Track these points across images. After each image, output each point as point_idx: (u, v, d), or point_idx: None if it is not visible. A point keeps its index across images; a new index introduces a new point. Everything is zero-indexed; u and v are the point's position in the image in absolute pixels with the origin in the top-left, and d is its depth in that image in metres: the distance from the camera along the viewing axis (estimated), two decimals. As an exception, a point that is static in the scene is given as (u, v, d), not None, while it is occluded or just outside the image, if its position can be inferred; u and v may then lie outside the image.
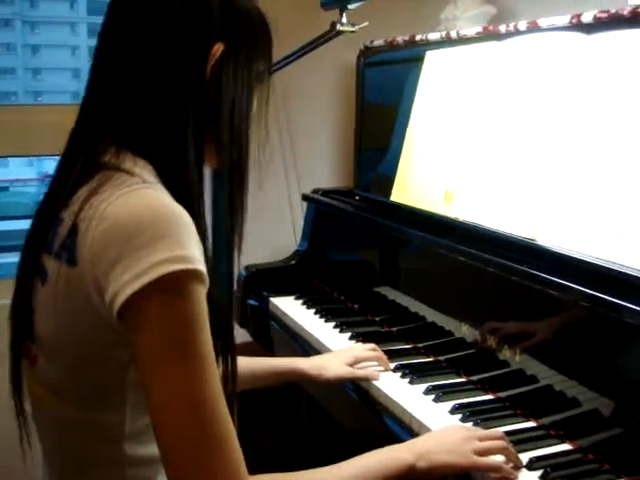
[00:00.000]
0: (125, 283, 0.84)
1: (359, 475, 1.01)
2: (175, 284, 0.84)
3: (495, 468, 1.09)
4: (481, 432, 1.14)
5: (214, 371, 0.87)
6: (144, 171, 0.94)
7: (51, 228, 0.95)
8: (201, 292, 0.87)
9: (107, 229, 0.86)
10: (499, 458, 1.11)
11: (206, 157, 1.01)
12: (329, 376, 1.42)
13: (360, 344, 1.57)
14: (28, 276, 0.98)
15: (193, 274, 0.86)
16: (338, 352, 1.52)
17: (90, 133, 0.98)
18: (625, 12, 1.27)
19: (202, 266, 0.87)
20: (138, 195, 0.88)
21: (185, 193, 0.94)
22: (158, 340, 0.84)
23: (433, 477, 1.07)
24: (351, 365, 1.45)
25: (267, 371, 1.42)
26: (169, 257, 0.84)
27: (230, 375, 1.01)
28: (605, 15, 1.31)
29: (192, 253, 0.86)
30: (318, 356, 1.54)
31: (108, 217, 0.87)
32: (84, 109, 1.01)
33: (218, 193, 1.68)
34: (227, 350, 1.00)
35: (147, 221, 0.85)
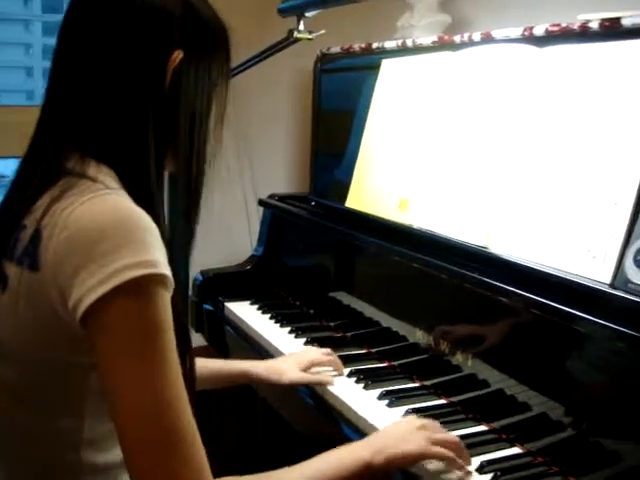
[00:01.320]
0: (89, 289, 0.84)
1: (317, 475, 1.02)
2: (140, 289, 0.85)
3: (447, 457, 1.10)
4: (435, 424, 1.15)
5: (178, 375, 0.88)
6: (107, 177, 0.94)
7: (12, 234, 0.94)
8: (166, 296, 0.87)
9: (71, 235, 0.86)
10: None
11: (165, 162, 1.01)
12: (284, 381, 1.43)
13: (315, 348, 1.58)
14: None
15: (158, 279, 0.86)
16: (293, 356, 1.52)
17: (52, 139, 0.97)
18: (575, 26, 1.30)
19: (167, 270, 0.87)
20: (101, 201, 0.88)
21: (146, 198, 0.94)
22: (122, 344, 0.85)
23: (391, 470, 1.09)
24: (306, 370, 1.46)
25: (221, 372, 1.42)
26: (134, 262, 0.84)
27: (189, 377, 1.01)
28: (556, 29, 1.34)
29: (156, 258, 0.86)
30: (273, 359, 1.54)
31: (72, 223, 0.86)
32: (44, 114, 0.99)
33: (174, 198, 1.68)
34: (185, 353, 1.01)
35: (111, 227, 0.85)
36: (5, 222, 0.98)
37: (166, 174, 1.04)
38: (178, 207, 1.03)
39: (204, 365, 1.37)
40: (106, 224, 0.85)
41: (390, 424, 1.20)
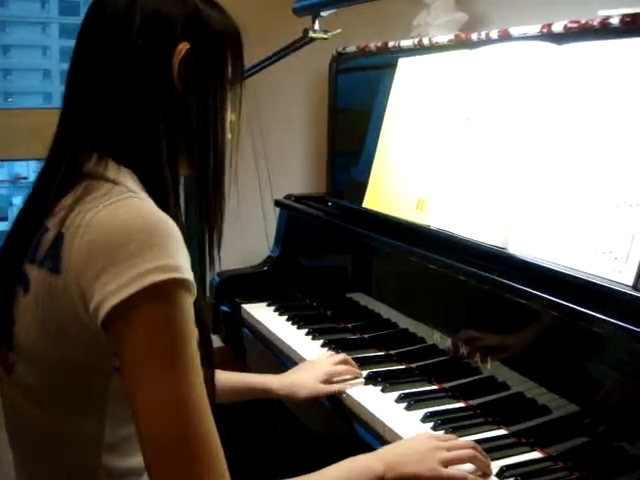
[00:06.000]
0: (110, 293, 0.83)
1: None
2: (162, 293, 0.84)
3: (459, 478, 1.09)
4: (450, 442, 1.14)
5: (200, 380, 0.87)
6: (128, 180, 0.94)
7: (34, 237, 0.95)
8: (189, 301, 0.87)
9: (94, 238, 0.86)
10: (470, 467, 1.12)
11: (181, 164, 1.01)
12: (301, 396, 1.42)
13: (331, 353, 1.56)
14: (9, 285, 0.97)
15: (180, 283, 0.86)
16: (310, 368, 1.49)
17: (71, 141, 0.97)
18: (595, 23, 1.28)
19: (190, 275, 0.87)
20: (124, 205, 0.88)
21: (162, 199, 0.94)
22: (145, 349, 0.84)
23: None
24: (323, 381, 1.44)
25: (237, 387, 1.42)
26: (156, 266, 0.84)
27: (209, 385, 1.01)
28: (575, 25, 1.32)
29: (179, 262, 0.86)
30: (289, 372, 1.51)
31: (95, 226, 0.86)
32: (64, 116, 1.00)
33: (189, 199, 1.68)
34: (207, 360, 1.00)
35: (134, 231, 0.85)
36: (27, 224, 0.98)
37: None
38: (198, 208, 1.02)
39: (222, 379, 1.36)
40: (129, 228, 0.85)
41: (406, 440, 1.19)
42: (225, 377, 1.39)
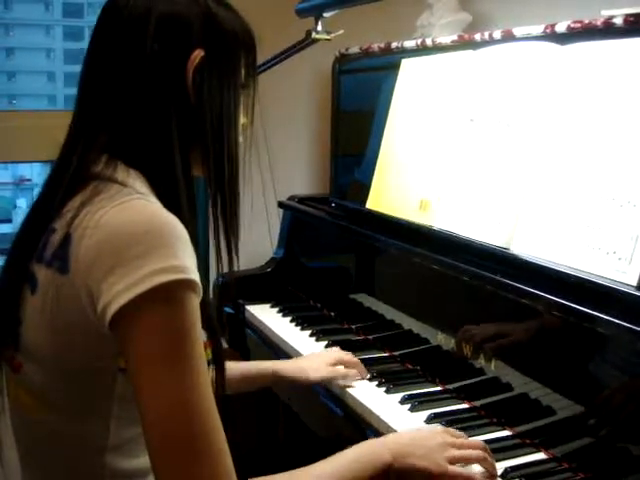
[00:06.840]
0: (117, 293, 0.84)
1: (336, 474, 1.03)
2: (169, 294, 0.85)
3: (465, 478, 1.09)
4: (461, 440, 1.13)
5: (207, 380, 0.88)
6: (137, 182, 0.94)
7: (42, 237, 0.95)
8: (195, 302, 0.88)
9: (101, 239, 0.86)
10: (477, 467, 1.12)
11: (193, 166, 1.01)
12: (313, 378, 1.43)
13: (337, 349, 1.57)
14: (16, 285, 0.98)
15: (187, 284, 0.86)
16: (319, 354, 1.53)
17: (81, 142, 0.98)
18: (598, 23, 1.28)
19: (196, 276, 0.88)
20: (132, 206, 0.89)
21: (174, 203, 0.94)
22: (150, 350, 0.85)
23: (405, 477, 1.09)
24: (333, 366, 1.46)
25: (249, 373, 1.43)
26: (163, 267, 0.84)
27: (219, 384, 1.01)
28: (579, 25, 1.32)
29: (185, 263, 0.86)
30: (300, 358, 1.54)
31: (103, 227, 0.87)
32: (75, 118, 1.01)
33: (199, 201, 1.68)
34: (216, 360, 1.01)
35: (141, 232, 0.86)
36: (35, 225, 0.99)
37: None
38: (213, 211, 1.02)
39: (233, 367, 1.37)
40: (136, 229, 0.86)
41: (417, 430, 1.19)
42: (234, 366, 1.39)
